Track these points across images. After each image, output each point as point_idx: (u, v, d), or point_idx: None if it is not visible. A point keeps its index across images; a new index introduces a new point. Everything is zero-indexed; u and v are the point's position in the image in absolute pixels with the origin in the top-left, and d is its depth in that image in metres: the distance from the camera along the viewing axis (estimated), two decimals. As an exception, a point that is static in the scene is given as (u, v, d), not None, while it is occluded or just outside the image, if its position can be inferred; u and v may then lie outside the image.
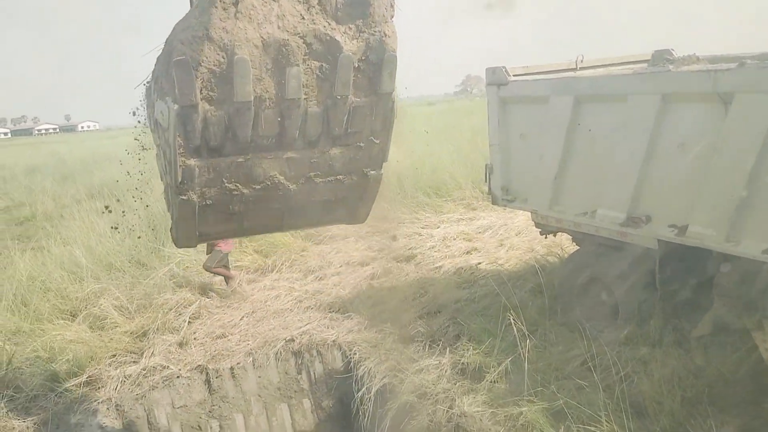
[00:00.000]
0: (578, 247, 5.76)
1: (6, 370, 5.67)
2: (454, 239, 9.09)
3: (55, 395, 5.45)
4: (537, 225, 5.87)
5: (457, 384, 4.95)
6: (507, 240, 8.70)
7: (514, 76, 5.55)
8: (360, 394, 5.58)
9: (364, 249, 9.06)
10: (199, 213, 2.84)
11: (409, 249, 8.90)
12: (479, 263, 7.88)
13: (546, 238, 6.37)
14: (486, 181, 6.09)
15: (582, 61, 5.95)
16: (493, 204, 6.14)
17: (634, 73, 4.48)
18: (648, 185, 4.52)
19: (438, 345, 5.51)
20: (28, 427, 5.13)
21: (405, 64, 2.82)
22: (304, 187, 2.98)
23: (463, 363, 5.15)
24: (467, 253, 8.44)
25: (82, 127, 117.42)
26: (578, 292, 5.39)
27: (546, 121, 5.20)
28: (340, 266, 8.51)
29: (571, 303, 5.45)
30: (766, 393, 4.11)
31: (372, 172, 3.12)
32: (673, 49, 5.79)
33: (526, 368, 4.58)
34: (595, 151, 4.87)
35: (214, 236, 3.80)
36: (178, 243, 3.14)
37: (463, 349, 5.26)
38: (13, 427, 5.11)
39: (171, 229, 3.10)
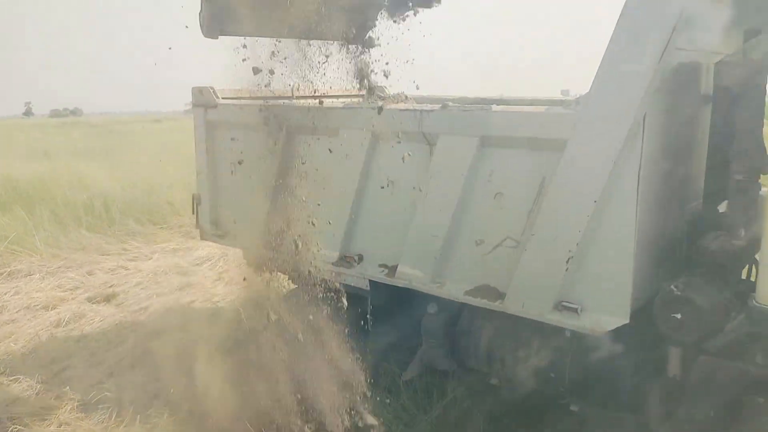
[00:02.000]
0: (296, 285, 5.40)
1: None
2: (167, 273, 8.16)
3: None
4: (249, 264, 5.37)
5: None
6: (226, 273, 8.07)
7: (224, 98, 5.01)
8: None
9: (51, 288, 7.62)
10: None
11: (111, 286, 7.72)
12: (192, 301, 7.11)
13: (260, 276, 5.90)
14: (193, 213, 5.42)
15: (298, 90, 5.66)
16: (201, 239, 5.51)
17: (345, 107, 4.29)
18: (360, 223, 4.36)
19: (129, 412, 4.60)
20: None
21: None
22: None
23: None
24: (180, 289, 7.59)
25: None
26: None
27: (258, 151, 4.75)
28: (17, 311, 6.96)
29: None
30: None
31: None
32: (387, 87, 5.82)
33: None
34: (308, 186, 4.55)
35: None
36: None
37: (156, 417, 4.46)
38: None
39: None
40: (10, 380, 5.24)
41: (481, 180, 3.68)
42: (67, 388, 4.99)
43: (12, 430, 4.41)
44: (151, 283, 7.83)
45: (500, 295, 3.68)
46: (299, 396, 4.13)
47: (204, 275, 8.05)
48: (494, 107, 3.64)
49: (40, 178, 12.79)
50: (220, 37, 4.48)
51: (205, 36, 3.97)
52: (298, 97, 5.63)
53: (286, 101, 5.36)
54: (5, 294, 7.42)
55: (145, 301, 7.19)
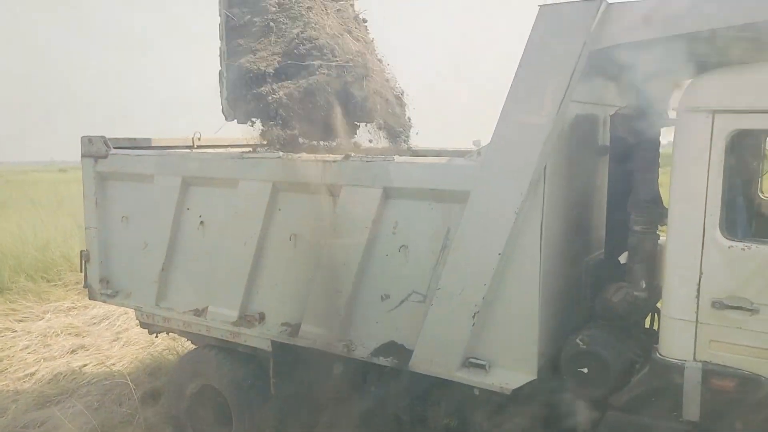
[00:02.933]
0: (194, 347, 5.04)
1: None
2: (59, 335, 7.51)
3: None
4: (143, 325, 4.98)
5: None
6: (125, 333, 7.52)
7: (115, 148, 4.69)
8: None
9: None
10: None
11: (-5, 352, 6.99)
12: (84, 365, 6.53)
13: (157, 336, 5.50)
14: (81, 271, 4.99)
15: (200, 139, 5.41)
16: (90, 299, 5.07)
17: (245, 157, 4.08)
18: (261, 280, 4.10)
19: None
20: None
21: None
22: None
23: None
24: (72, 352, 6.99)
25: None
26: (189, 404, 4.61)
27: (151, 204, 4.45)
28: None
29: (181, 417, 4.64)
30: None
31: None
32: None
33: None
34: (206, 241, 4.28)
35: None
36: None
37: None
38: None
39: None
40: None
41: (385, 232, 3.55)
42: None
43: None
44: (40, 346, 7.17)
45: (407, 353, 3.51)
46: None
47: (100, 335, 7.47)
48: (396, 158, 3.54)
49: None
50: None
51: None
52: (198, 147, 5.39)
53: (183, 150, 5.12)
54: None
55: (33, 366, 6.58)
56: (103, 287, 4.86)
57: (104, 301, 4.96)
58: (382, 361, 3.61)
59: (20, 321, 8.17)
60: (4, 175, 38.16)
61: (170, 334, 5.45)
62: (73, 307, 8.69)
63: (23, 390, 6.02)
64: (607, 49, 2.88)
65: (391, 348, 3.60)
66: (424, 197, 3.38)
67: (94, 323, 7.97)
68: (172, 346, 6.46)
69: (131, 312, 7.88)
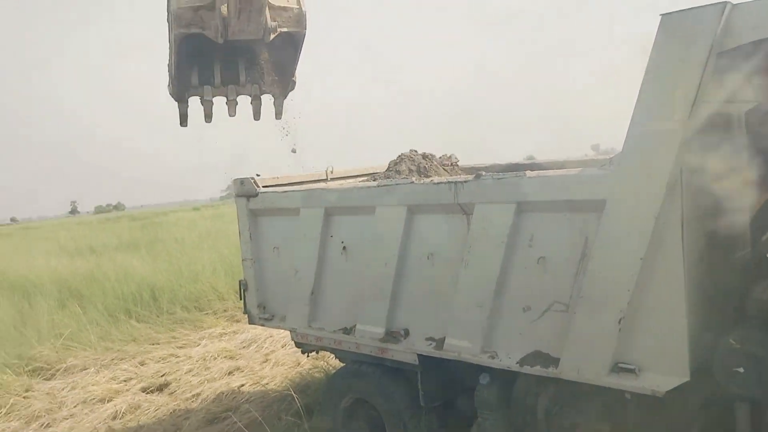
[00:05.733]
0: (342, 365, 5.40)
1: None
2: (215, 358, 8.24)
3: None
4: (297, 344, 5.42)
5: None
6: (272, 354, 8.11)
7: (263, 186, 5.19)
8: None
9: (106, 381, 7.76)
10: None
11: (163, 375, 7.82)
12: (242, 385, 7.14)
13: (308, 356, 5.93)
14: (240, 299, 5.52)
15: (332, 172, 5.84)
16: (250, 323, 5.57)
17: (379, 185, 4.39)
18: (403, 298, 4.36)
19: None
20: None
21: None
22: None
23: None
24: (229, 373, 7.65)
25: None
26: (343, 417, 4.95)
27: (299, 234, 4.88)
28: (75, 406, 7.10)
29: (337, 430, 4.98)
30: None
31: None
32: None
33: None
34: (350, 265, 4.63)
35: None
36: None
37: None
38: None
39: None
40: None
41: (521, 246, 3.68)
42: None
43: None
44: (201, 369, 7.90)
45: (554, 361, 3.61)
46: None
47: (251, 358, 8.10)
48: (528, 173, 3.68)
49: (89, 273, 13.22)
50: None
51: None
52: (331, 179, 5.81)
53: (321, 184, 5.54)
54: (63, 389, 7.59)
55: (197, 387, 7.25)
56: (261, 312, 5.35)
57: (262, 325, 5.44)
58: (528, 370, 3.72)
59: (181, 347, 9.04)
60: (149, 218, 41.96)
61: (319, 353, 5.86)
62: (224, 333, 9.49)
63: (192, 408, 6.68)
64: (736, 49, 2.89)
65: (536, 357, 3.70)
66: (559, 209, 3.49)
67: (244, 347, 8.65)
68: (318, 365, 6.90)
69: (275, 335, 8.55)
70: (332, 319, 4.82)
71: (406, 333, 4.36)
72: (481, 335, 3.88)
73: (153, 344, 9.20)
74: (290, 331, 5.28)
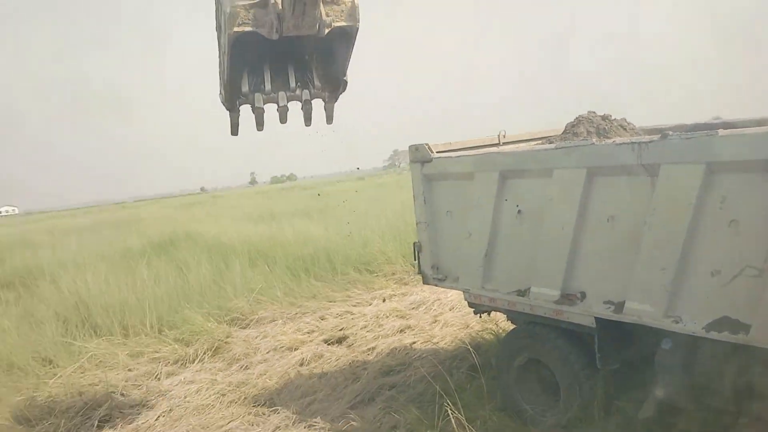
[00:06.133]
0: (514, 326, 5.54)
1: None
2: (387, 317, 8.75)
3: None
4: (470, 305, 5.63)
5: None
6: (441, 316, 8.43)
7: (437, 152, 5.42)
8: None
9: (292, 332, 8.60)
10: None
11: (341, 330, 8.49)
12: (413, 343, 7.53)
13: (480, 317, 6.13)
14: (415, 260, 5.85)
15: (504, 136, 5.92)
16: (424, 284, 5.88)
17: (557, 147, 4.41)
18: (580, 261, 4.38)
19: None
20: None
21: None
22: None
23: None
24: (401, 331, 8.10)
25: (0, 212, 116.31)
26: (516, 375, 5.11)
27: (472, 198, 5.05)
28: (267, 352, 7.98)
29: (510, 386, 5.16)
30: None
31: None
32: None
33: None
34: (524, 227, 4.72)
35: None
36: None
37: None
38: None
39: None
40: (270, 411, 6.05)
41: (711, 208, 3.55)
42: (318, 418, 5.62)
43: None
44: (374, 326, 8.45)
45: (744, 327, 3.47)
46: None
47: (420, 318, 8.49)
48: (721, 132, 3.52)
49: (272, 237, 14.55)
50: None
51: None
52: (504, 143, 5.89)
53: (494, 148, 5.64)
54: (256, 338, 8.56)
55: (372, 342, 7.78)
56: (434, 273, 5.63)
57: (435, 285, 5.73)
58: (715, 336, 3.61)
59: (355, 306, 9.71)
60: (318, 187, 44.73)
61: (490, 314, 6.05)
62: (394, 294, 10.01)
63: (369, 361, 7.21)
64: None
65: (725, 323, 3.57)
66: (756, 169, 3.32)
67: (414, 308, 9.08)
68: (487, 327, 7.09)
69: (443, 298, 8.88)
70: (506, 281, 4.96)
71: (583, 296, 4.39)
72: (664, 299, 3.81)
73: (330, 301, 9.99)
74: (463, 292, 5.50)
